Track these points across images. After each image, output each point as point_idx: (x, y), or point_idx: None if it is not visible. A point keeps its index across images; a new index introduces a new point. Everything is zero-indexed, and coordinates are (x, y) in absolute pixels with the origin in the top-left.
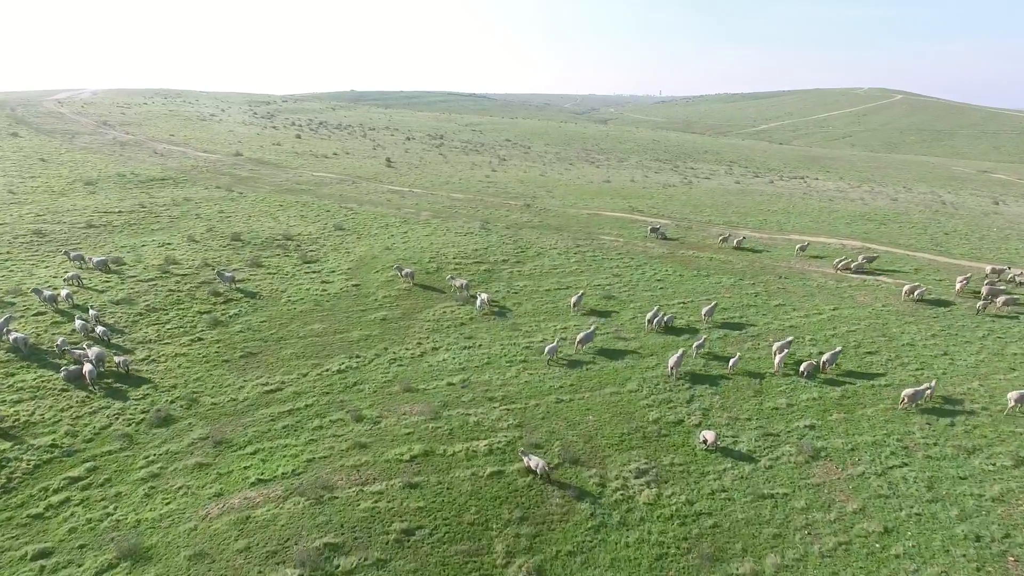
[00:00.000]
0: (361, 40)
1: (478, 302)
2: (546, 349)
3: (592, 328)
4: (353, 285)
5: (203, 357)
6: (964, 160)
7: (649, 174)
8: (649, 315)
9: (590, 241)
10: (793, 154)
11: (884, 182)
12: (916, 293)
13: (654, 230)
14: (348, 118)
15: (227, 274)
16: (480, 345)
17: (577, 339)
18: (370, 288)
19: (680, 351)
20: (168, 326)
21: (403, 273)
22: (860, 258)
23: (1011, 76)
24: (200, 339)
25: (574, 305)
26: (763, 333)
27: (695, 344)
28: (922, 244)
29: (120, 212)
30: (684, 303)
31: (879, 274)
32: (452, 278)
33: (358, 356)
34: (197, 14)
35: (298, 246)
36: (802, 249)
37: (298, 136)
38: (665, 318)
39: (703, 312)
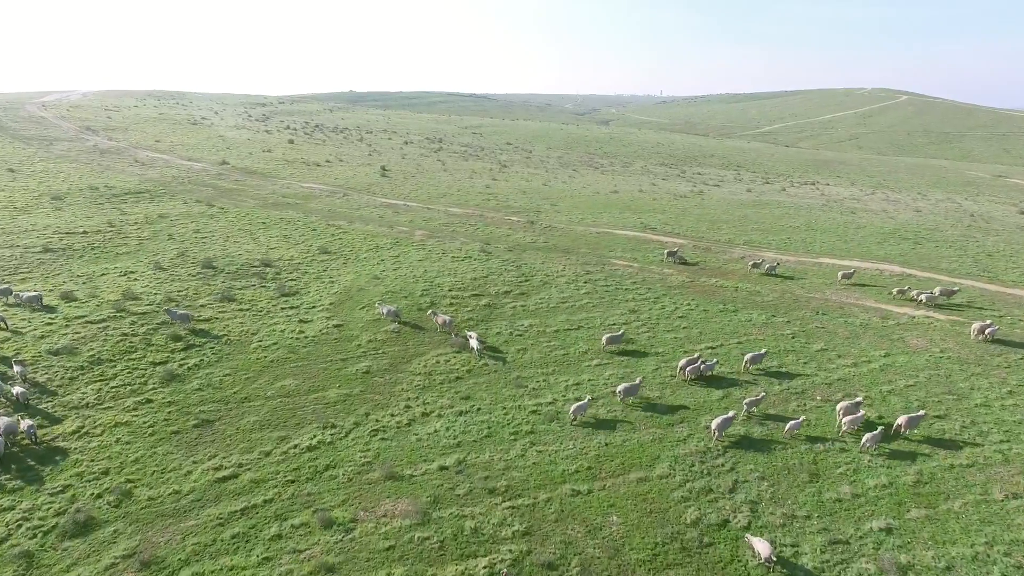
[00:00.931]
0: (361, 40)
1: (473, 345)
2: (572, 408)
3: (638, 380)
4: (334, 326)
5: (148, 428)
6: (976, 163)
7: (657, 181)
8: (683, 361)
9: (601, 267)
10: (801, 157)
11: (898, 188)
12: (987, 332)
13: (671, 254)
14: (345, 120)
15: (178, 312)
16: (479, 409)
17: (619, 388)
18: (353, 330)
19: (730, 414)
20: (113, 383)
21: (386, 313)
22: (937, 290)
23: (1012, 76)
24: (149, 401)
25: (607, 343)
26: (808, 388)
27: (747, 400)
28: (966, 268)
29: (84, 232)
30: (712, 347)
31: (932, 309)
32: (434, 314)
33: (334, 426)
34: (200, 14)
35: (277, 274)
36: (846, 277)
37: (291, 141)
38: (703, 366)
39: (746, 360)
